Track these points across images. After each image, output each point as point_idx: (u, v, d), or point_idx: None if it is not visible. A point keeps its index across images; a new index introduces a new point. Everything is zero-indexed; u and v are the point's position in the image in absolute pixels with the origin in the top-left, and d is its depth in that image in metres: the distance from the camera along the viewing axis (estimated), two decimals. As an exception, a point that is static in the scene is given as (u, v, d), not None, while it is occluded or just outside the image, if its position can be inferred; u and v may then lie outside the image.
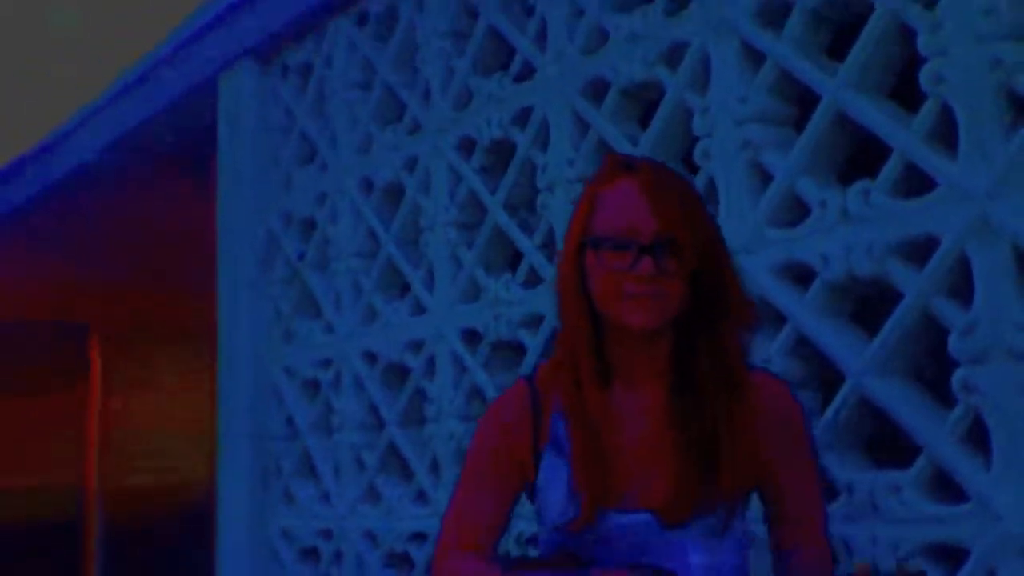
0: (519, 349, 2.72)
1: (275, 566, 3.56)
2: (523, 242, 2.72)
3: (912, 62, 1.92)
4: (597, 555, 1.37)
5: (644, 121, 2.47)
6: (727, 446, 1.35)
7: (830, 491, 1.99)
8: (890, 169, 1.92)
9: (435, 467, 2.92)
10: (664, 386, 1.40)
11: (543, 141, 2.67)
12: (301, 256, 3.59)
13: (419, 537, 2.96)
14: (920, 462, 1.85)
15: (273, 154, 3.80)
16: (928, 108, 1.87)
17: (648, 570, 1.28)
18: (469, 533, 1.45)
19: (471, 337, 2.85)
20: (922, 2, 1.89)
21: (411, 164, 3.12)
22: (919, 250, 1.86)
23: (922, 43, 1.87)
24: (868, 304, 2.02)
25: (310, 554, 3.44)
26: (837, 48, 2.09)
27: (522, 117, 2.74)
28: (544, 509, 1.41)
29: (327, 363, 3.40)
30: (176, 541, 7.03)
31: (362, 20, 3.40)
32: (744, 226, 2.15)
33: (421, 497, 2.97)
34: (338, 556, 3.26)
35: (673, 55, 2.36)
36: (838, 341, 2.01)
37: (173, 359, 7.96)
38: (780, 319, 2.09)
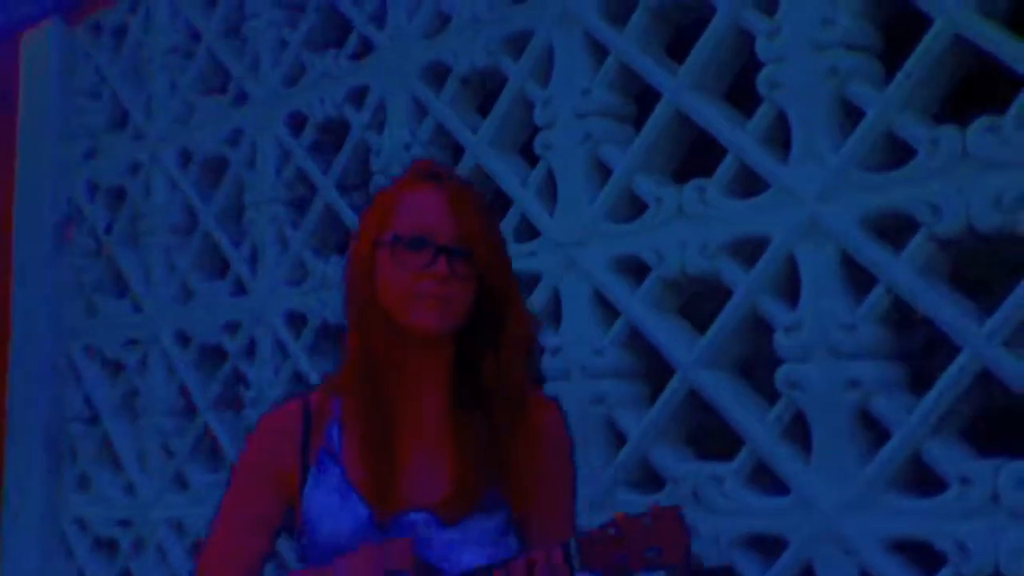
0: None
1: (66, 557, 3.33)
2: (355, 224, 2.64)
3: (750, 66, 1.98)
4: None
5: (484, 109, 2.45)
6: (507, 452, 1.39)
7: (655, 481, 2.03)
8: (725, 169, 1.97)
9: (251, 454, 2.80)
10: (447, 392, 1.43)
11: (379, 123, 2.61)
12: (108, 228, 3.37)
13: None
14: (743, 455, 1.91)
15: (79, 120, 3.55)
16: (763, 111, 1.93)
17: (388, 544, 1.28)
18: (228, 562, 1.41)
19: (295, 321, 2.75)
20: (762, 7, 1.95)
21: (235, 137, 2.99)
22: (750, 249, 1.93)
23: (760, 48, 1.93)
24: (699, 299, 2.08)
25: (106, 545, 3.24)
26: (679, 48, 2.14)
27: (358, 96, 2.67)
28: (316, 519, 1.37)
29: (133, 342, 3.21)
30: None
31: (186, -17, 3.22)
32: (581, 219, 2.17)
33: (235, 485, 2.85)
34: (138, 546, 3.09)
35: (516, 43, 2.35)
36: (669, 335, 2.05)
37: None
38: (614, 312, 2.12)
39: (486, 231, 1.42)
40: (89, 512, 3.28)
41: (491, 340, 1.42)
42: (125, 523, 3.14)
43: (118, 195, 3.39)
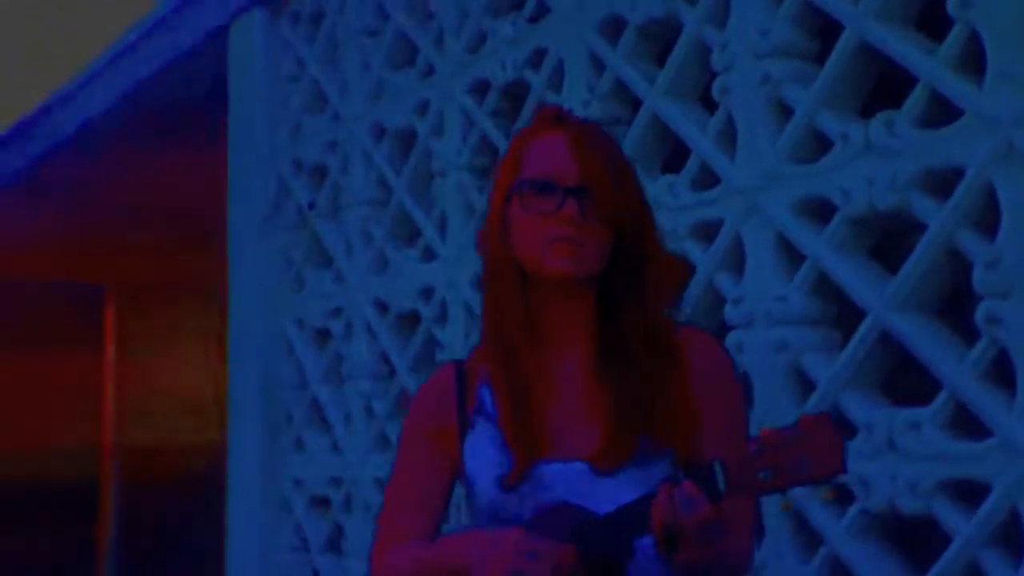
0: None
1: (286, 515, 3.55)
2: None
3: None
4: (531, 514, 1.35)
5: (661, 59, 2.42)
6: (658, 399, 1.34)
7: (849, 429, 1.95)
8: (915, 98, 1.87)
9: (446, 414, 2.89)
10: (591, 343, 1.38)
11: (557, 83, 2.62)
12: (311, 205, 3.56)
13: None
14: (940, 398, 1.81)
15: (283, 103, 3.76)
16: (955, 34, 1.81)
17: (565, 507, 1.26)
18: (405, 523, 1.44)
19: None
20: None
21: (423, 108, 3.08)
22: (944, 181, 1.82)
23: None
24: (889, 239, 1.98)
25: (320, 502, 3.43)
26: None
27: (536, 58, 2.69)
28: (474, 474, 1.38)
29: (338, 312, 3.38)
30: (190, 499, 7.06)
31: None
32: (763, 162, 2.11)
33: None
34: (348, 503, 3.25)
35: (692, -11, 2.30)
36: (858, 277, 1.96)
37: (188, 318, 7.95)
38: (800, 257, 2.05)
39: (612, 171, 1.36)
40: (304, 472, 3.48)
41: (631, 284, 1.37)
42: (336, 481, 3.32)
43: (320, 172, 3.57)
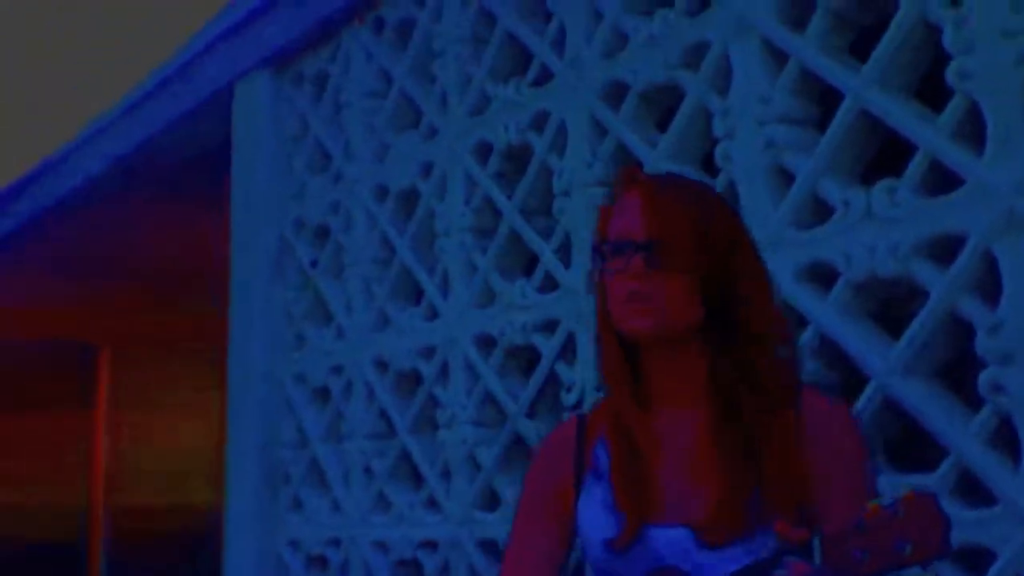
0: (533, 355, 2.69)
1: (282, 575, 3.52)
2: (539, 247, 2.69)
3: (937, 61, 1.90)
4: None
5: (663, 125, 2.46)
6: (771, 468, 1.29)
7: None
8: (916, 166, 1.90)
9: (447, 474, 2.88)
10: (702, 398, 1.35)
11: (560, 146, 2.66)
12: (314, 263, 3.57)
13: (429, 544, 2.92)
14: (945, 465, 1.81)
15: (287, 163, 3.79)
16: (954, 105, 1.84)
17: (673, 572, 1.25)
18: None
19: (485, 343, 2.82)
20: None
21: (427, 170, 3.11)
22: (945, 249, 1.84)
23: (948, 40, 1.85)
24: (890, 305, 2.00)
25: (317, 563, 3.40)
26: (860, 49, 2.08)
27: (539, 121, 2.73)
28: (585, 534, 1.38)
29: (338, 369, 3.38)
30: (184, 560, 6.97)
31: (379, 28, 3.40)
32: (766, 227, 2.13)
33: (432, 504, 2.94)
34: (346, 565, 3.22)
35: (693, 57, 2.34)
36: (862, 342, 1.98)
37: (183, 377, 7.94)
38: (803, 322, 2.06)
39: (684, 219, 1.32)
40: (302, 532, 3.45)
41: (730, 333, 1.32)
42: (334, 542, 3.29)
43: (323, 231, 3.59)
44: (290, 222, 3.71)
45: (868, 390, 1.94)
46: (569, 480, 1.41)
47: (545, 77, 2.74)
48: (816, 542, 1.12)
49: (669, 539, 1.31)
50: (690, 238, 1.31)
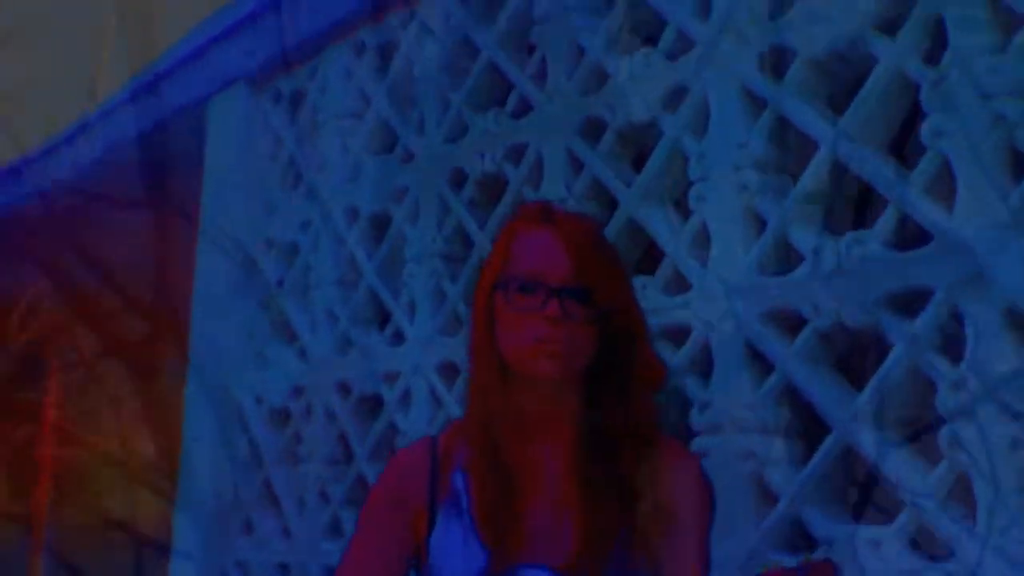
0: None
1: (228, 598, 3.45)
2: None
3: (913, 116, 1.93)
4: None
5: (639, 163, 2.47)
6: (637, 510, 1.31)
7: (810, 543, 1.95)
8: (886, 220, 1.92)
9: (402, 502, 2.85)
10: (574, 439, 1.36)
11: (536, 179, 2.66)
12: (280, 282, 3.54)
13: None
14: (902, 517, 1.82)
15: (259, 179, 3.77)
16: (927, 161, 1.87)
17: None
18: None
19: (449, 370, 2.80)
20: (925, 57, 1.91)
21: (400, 194, 3.10)
22: (911, 302, 1.86)
23: (925, 97, 1.88)
24: (850, 355, 2.01)
25: (266, 587, 3.34)
26: (838, 101, 2.10)
27: (516, 153, 2.74)
28: (439, 567, 1.34)
29: (299, 391, 3.34)
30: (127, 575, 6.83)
31: (359, 50, 3.40)
32: (735, 271, 2.14)
33: (386, 532, 2.90)
34: (295, 590, 3.17)
35: (672, 98, 2.36)
36: (824, 390, 1.98)
37: (137, 389, 7.81)
38: (768, 366, 2.07)
39: (604, 269, 1.35)
40: (251, 555, 3.39)
41: (617, 384, 1.35)
42: (283, 567, 3.24)
43: (291, 250, 3.56)
44: (258, 239, 3.68)
45: (829, 439, 1.95)
46: (422, 506, 1.37)
47: (524, 109, 2.75)
48: None
49: None
50: (605, 287, 1.33)
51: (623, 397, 1.35)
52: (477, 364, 1.38)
